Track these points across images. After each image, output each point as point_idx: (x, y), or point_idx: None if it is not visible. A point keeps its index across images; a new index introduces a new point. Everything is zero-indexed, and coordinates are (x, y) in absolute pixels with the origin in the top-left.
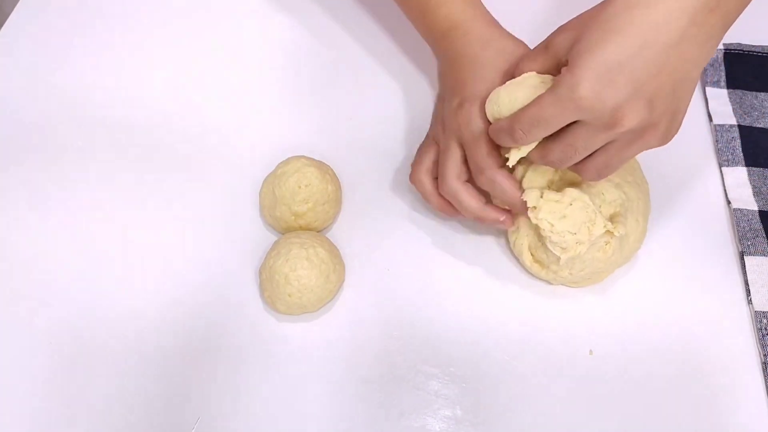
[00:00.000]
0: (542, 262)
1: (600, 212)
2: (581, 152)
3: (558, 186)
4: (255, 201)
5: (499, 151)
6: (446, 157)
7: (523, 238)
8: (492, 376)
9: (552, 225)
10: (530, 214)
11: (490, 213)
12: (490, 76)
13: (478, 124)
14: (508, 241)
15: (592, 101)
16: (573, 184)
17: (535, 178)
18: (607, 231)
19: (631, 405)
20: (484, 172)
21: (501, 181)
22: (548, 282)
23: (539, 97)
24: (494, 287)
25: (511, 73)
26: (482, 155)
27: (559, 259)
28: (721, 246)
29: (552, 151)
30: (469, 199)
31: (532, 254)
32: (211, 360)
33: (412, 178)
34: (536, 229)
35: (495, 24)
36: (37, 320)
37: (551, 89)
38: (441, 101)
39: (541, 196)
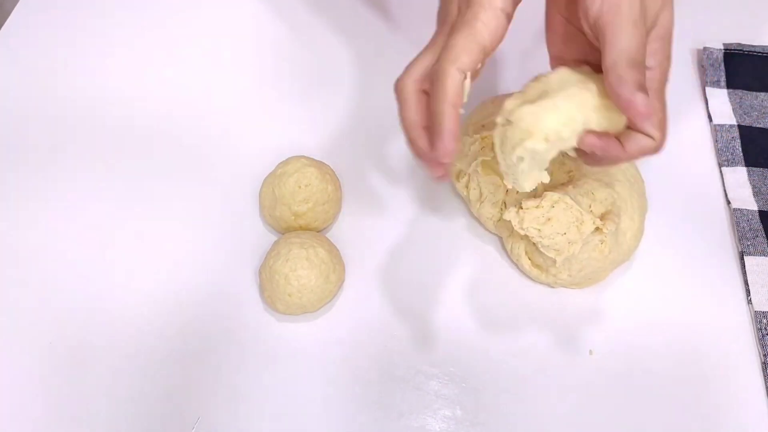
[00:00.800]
0: (541, 266)
1: (591, 211)
2: None
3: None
4: (255, 201)
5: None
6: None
7: (519, 244)
8: (492, 376)
9: (539, 230)
10: (516, 228)
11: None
12: None
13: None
14: (504, 248)
15: None
16: (552, 189)
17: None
18: (597, 228)
19: (631, 405)
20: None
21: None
22: (549, 285)
23: None
24: (494, 287)
25: None
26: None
27: (555, 261)
28: (721, 246)
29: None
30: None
31: (530, 259)
32: (211, 360)
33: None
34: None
35: None
36: (37, 320)
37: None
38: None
39: (520, 208)
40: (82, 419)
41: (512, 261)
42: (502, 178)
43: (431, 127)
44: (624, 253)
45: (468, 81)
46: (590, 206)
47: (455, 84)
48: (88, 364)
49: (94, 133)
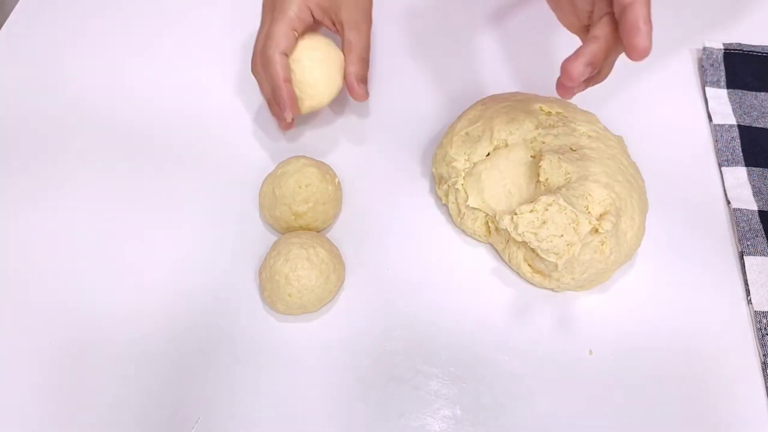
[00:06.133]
0: (543, 272)
1: (589, 212)
2: None
3: (527, 197)
4: (255, 201)
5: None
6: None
7: (517, 253)
8: (492, 376)
9: (535, 234)
10: (512, 234)
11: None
12: None
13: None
14: (501, 256)
15: None
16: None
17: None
18: (594, 228)
19: (631, 405)
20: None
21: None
22: (553, 290)
23: None
24: (494, 287)
25: None
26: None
27: (557, 265)
28: (721, 246)
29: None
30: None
31: (530, 265)
32: (211, 360)
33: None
34: (525, 243)
35: None
36: (37, 320)
37: None
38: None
39: (515, 214)
40: (82, 419)
41: (513, 270)
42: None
43: (275, 99)
44: (625, 253)
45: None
46: (587, 207)
47: (282, 65)
48: (88, 364)
49: (94, 133)
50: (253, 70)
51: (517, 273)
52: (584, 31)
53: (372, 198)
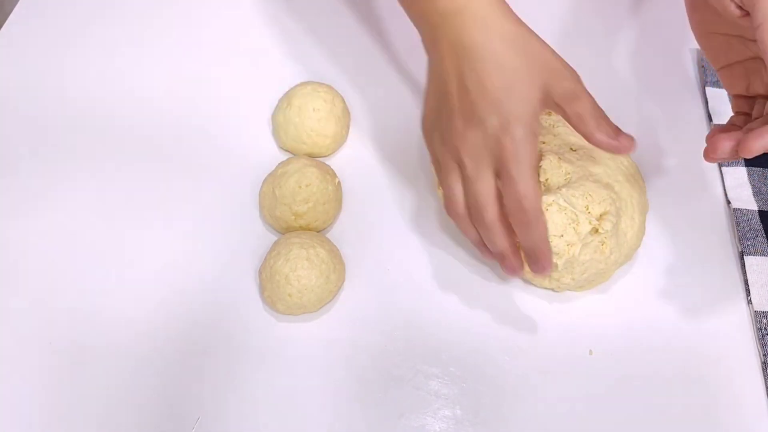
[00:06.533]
0: None
1: (589, 211)
2: None
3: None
4: (255, 201)
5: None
6: (482, 187)
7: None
8: (492, 376)
9: None
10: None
11: (514, 259)
12: (530, 93)
13: (527, 154)
14: None
15: None
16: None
17: None
18: (594, 228)
19: (631, 405)
20: (527, 210)
21: (542, 229)
22: (553, 290)
23: None
24: (494, 287)
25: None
26: (532, 188)
27: (557, 265)
28: (721, 246)
29: None
30: (503, 236)
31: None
32: (211, 360)
33: (452, 211)
34: None
35: (515, 16)
36: (37, 320)
37: None
38: (446, 113)
39: None
40: (82, 419)
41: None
42: None
43: (533, 254)
44: (625, 253)
45: None
46: (587, 207)
47: (545, 219)
48: (88, 364)
49: (93, 134)
50: (467, 218)
51: None
52: (745, 96)
53: (372, 198)
